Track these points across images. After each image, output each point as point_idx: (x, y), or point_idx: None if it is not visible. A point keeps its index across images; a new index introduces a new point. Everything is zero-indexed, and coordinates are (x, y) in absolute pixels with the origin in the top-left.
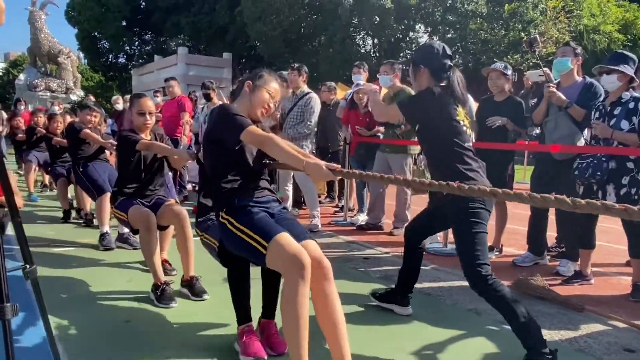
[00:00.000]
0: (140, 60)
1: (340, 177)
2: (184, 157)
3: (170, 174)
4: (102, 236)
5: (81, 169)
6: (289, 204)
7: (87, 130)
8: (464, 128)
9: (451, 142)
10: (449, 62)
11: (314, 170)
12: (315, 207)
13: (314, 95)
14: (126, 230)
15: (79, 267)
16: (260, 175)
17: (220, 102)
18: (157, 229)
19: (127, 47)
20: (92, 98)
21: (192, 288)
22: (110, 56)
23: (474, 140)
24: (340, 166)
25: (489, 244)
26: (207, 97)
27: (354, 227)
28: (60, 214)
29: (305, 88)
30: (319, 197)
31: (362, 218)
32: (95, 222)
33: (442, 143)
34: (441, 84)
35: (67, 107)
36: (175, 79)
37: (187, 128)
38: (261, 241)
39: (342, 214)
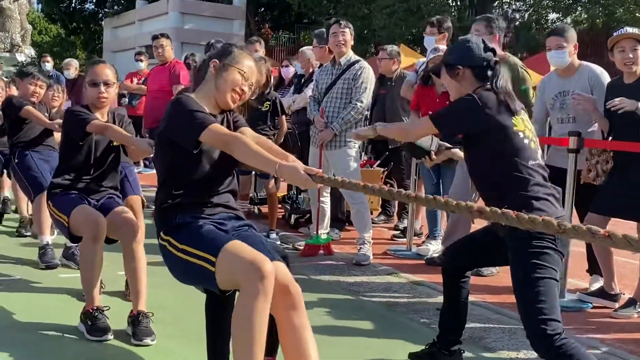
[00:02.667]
0: (115, 7)
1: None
2: (144, 149)
3: (133, 168)
4: (43, 250)
5: (17, 159)
6: (326, 222)
7: (30, 108)
8: (526, 141)
9: (509, 162)
10: (492, 56)
11: (288, 174)
12: (367, 230)
13: (365, 64)
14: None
15: (10, 295)
16: (217, 188)
17: None
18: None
19: None
20: (49, 59)
21: (134, 327)
22: (74, 0)
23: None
24: (321, 170)
25: (630, 295)
26: None
27: (423, 261)
28: None
29: (352, 54)
30: (371, 213)
31: (435, 248)
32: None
33: (495, 164)
34: (487, 87)
35: (12, 71)
36: (167, 35)
37: None
38: (207, 256)
39: (405, 240)
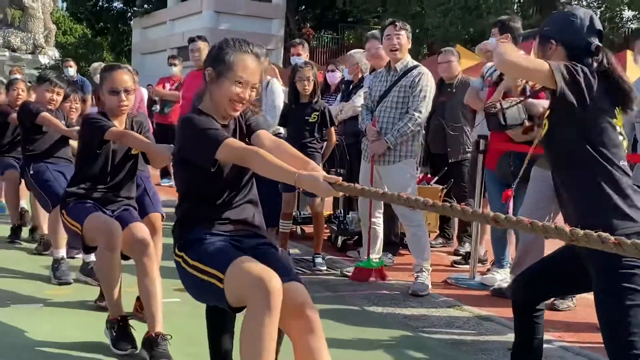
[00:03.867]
0: (145, 6)
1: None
2: (166, 156)
3: (151, 178)
4: (57, 264)
5: (32, 171)
6: (378, 245)
7: (46, 114)
8: (620, 138)
9: (603, 156)
10: (596, 40)
11: (308, 184)
12: (425, 256)
13: (424, 70)
14: (93, 257)
15: (20, 315)
16: (234, 200)
17: (270, 78)
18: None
19: None
20: (72, 64)
21: (151, 349)
22: None
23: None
24: (341, 179)
25: None
26: None
27: (488, 292)
28: (5, 231)
29: (409, 59)
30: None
31: (502, 277)
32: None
33: (587, 156)
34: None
35: (34, 74)
36: (204, 38)
37: None
38: (216, 273)
39: (467, 267)
